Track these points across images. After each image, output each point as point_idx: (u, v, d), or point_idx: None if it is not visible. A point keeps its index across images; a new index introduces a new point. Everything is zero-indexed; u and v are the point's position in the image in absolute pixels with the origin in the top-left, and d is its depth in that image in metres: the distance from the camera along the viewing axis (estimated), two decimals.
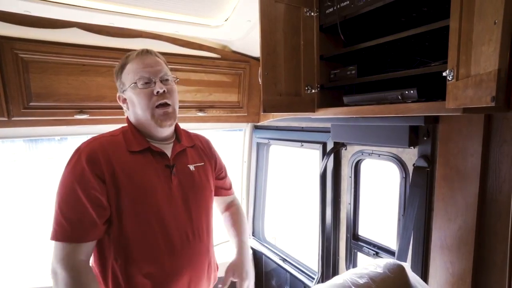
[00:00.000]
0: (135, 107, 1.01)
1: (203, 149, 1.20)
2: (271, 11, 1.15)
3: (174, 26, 1.56)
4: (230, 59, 1.96)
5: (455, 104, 0.76)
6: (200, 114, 1.91)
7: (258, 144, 2.45)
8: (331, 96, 1.31)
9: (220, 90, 1.98)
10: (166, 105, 1.01)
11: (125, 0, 1.38)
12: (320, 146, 1.82)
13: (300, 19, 1.24)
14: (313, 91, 1.25)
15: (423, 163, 1.27)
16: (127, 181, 0.95)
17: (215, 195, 1.25)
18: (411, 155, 1.36)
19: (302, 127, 1.96)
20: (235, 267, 1.16)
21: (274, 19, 1.16)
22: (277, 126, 2.18)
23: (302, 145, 1.95)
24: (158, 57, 1.08)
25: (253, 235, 2.64)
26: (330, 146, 1.76)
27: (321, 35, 1.28)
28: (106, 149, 0.97)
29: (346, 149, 1.69)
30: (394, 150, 1.42)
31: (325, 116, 1.25)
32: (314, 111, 1.28)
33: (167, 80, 1.04)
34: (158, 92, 0.98)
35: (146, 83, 0.99)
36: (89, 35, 1.53)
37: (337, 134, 1.55)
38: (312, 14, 1.26)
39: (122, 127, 1.08)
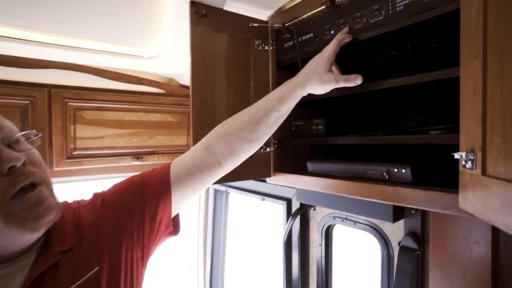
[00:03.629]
0: None
1: (96, 229, 0.62)
2: (208, 44, 0.84)
3: (94, 56, 1.20)
4: (177, 95, 1.63)
5: (477, 211, 0.46)
6: (136, 163, 1.53)
7: (215, 191, 2.08)
8: (294, 155, 1.00)
9: (164, 132, 1.62)
10: (32, 187, 0.52)
11: (25, 24, 1.02)
12: (284, 203, 1.49)
13: (249, 54, 0.94)
14: (267, 149, 0.93)
15: (411, 243, 0.97)
16: None
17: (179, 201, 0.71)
18: (395, 228, 1.06)
19: None
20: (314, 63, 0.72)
21: (213, 54, 0.85)
22: None
23: (264, 199, 1.61)
24: None
25: None
26: (295, 203, 1.44)
27: (278, 74, 0.99)
28: None
29: (314, 210, 1.37)
30: (374, 219, 1.11)
31: (284, 184, 0.92)
32: (270, 176, 0.95)
33: (17, 142, 0.54)
34: (12, 167, 0.50)
35: None
36: None
37: (303, 196, 1.23)
38: (267, 48, 0.97)
39: None
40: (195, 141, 0.79)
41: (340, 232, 1.36)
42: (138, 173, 1.59)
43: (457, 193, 0.55)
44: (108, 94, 1.43)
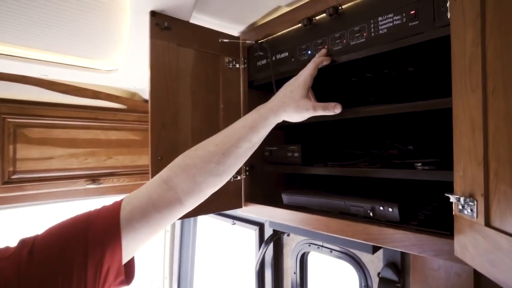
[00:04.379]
0: None
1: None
2: (171, 60, 0.74)
3: (40, 68, 1.05)
4: (140, 111, 1.49)
5: (481, 266, 0.40)
6: (91, 186, 1.36)
7: None
8: (268, 183, 0.91)
9: (125, 152, 1.47)
10: None
11: None
12: (256, 228, 1.39)
13: (219, 72, 0.85)
14: (238, 177, 0.84)
15: (391, 275, 0.92)
16: None
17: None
18: (373, 258, 1.01)
19: None
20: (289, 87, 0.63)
21: (176, 71, 0.75)
22: None
23: (234, 223, 1.51)
24: None
25: None
26: (268, 228, 1.35)
27: (250, 94, 0.91)
28: None
29: (289, 236, 1.29)
30: (351, 249, 1.05)
31: (257, 216, 0.84)
32: (241, 206, 0.86)
33: None
34: None
35: None
36: None
37: (277, 223, 1.14)
38: (238, 65, 0.89)
39: None
40: (154, 171, 0.68)
41: (316, 259, 1.28)
42: (92, 197, 1.40)
43: (450, 236, 0.49)
44: (58, 110, 1.27)
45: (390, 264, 0.93)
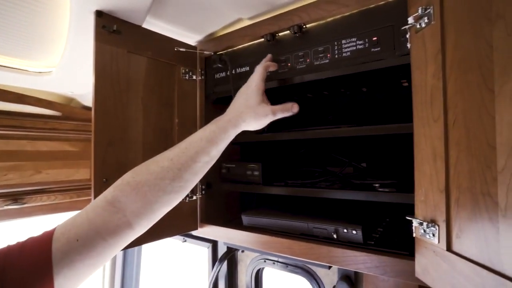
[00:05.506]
0: None
1: None
2: (120, 68, 0.66)
3: None
4: (78, 119, 1.33)
5: (440, 287, 0.41)
6: (12, 207, 1.15)
7: None
8: (225, 202, 0.87)
9: (59, 165, 1.29)
10: None
11: None
12: (209, 245, 1.33)
13: (174, 84, 0.79)
14: (193, 197, 0.78)
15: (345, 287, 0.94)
16: None
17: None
18: (328, 272, 1.02)
19: None
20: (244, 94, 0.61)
21: (126, 81, 0.67)
22: None
23: (185, 241, 1.42)
24: None
25: None
26: (222, 245, 1.30)
27: (207, 107, 0.86)
28: None
29: (243, 252, 1.25)
30: (308, 264, 1.06)
31: (214, 238, 0.78)
32: (196, 228, 0.80)
33: None
34: None
35: None
36: None
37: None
38: (195, 77, 0.84)
39: None
40: (97, 196, 0.59)
41: (272, 274, 1.27)
42: (14, 219, 1.21)
43: (409, 256, 0.51)
44: None
45: (345, 277, 0.95)
